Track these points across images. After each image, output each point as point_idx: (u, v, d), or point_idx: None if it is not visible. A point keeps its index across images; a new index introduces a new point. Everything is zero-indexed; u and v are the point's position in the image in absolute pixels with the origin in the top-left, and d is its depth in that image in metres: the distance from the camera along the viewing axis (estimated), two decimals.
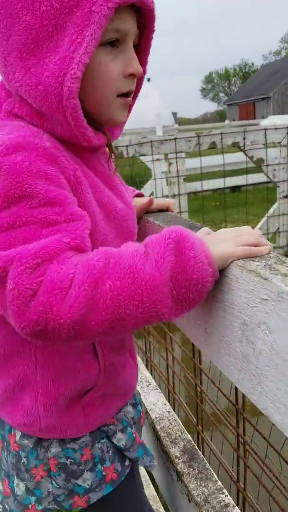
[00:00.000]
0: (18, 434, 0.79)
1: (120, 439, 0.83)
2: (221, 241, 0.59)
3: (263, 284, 0.48)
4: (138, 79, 0.74)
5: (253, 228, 0.65)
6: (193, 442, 1.21)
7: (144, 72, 0.76)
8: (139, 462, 0.87)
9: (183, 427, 1.29)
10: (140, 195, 1.01)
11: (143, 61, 0.75)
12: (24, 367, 0.74)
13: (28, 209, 0.58)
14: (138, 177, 7.05)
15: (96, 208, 0.70)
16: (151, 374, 1.75)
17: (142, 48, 0.74)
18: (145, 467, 0.90)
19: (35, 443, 0.78)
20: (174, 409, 1.63)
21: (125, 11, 0.64)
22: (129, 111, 0.78)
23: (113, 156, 0.79)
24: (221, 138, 4.00)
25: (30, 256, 0.55)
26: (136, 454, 0.85)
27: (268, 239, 4.52)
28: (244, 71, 62.86)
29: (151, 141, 3.90)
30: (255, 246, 0.58)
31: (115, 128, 0.81)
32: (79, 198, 0.66)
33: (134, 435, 0.85)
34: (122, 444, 0.83)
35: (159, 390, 1.50)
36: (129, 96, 0.72)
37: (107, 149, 0.79)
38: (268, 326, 0.49)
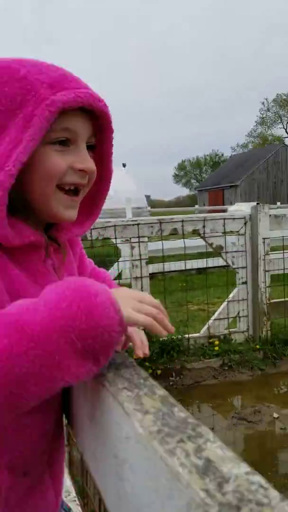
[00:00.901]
0: None
1: None
2: (128, 298, 0.58)
3: (126, 420, 0.47)
4: (104, 181, 0.77)
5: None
6: None
7: (110, 172, 0.77)
8: None
9: None
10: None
11: (107, 160, 0.76)
12: None
13: None
14: (109, 256, 7.17)
15: (5, 297, 0.65)
16: (86, 479, 1.62)
17: (104, 148, 0.75)
18: None
19: None
20: None
21: (74, 113, 0.67)
22: (96, 212, 0.79)
23: (59, 252, 0.77)
24: (182, 226, 4.19)
25: None
26: None
27: (229, 324, 4.54)
28: (214, 160, 67.76)
29: (115, 225, 4.03)
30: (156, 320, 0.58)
31: (72, 225, 0.79)
32: None
33: None
34: None
35: (77, 501, 1.37)
36: (76, 195, 0.72)
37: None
38: (131, 466, 0.47)
